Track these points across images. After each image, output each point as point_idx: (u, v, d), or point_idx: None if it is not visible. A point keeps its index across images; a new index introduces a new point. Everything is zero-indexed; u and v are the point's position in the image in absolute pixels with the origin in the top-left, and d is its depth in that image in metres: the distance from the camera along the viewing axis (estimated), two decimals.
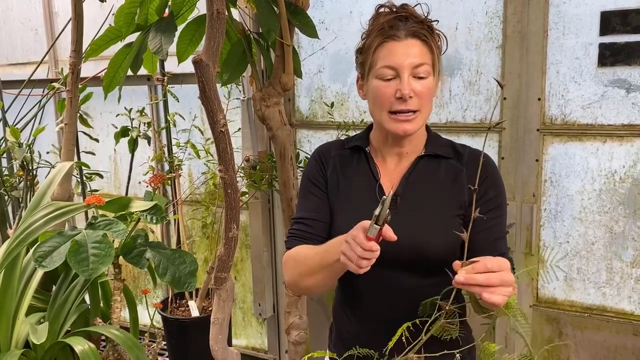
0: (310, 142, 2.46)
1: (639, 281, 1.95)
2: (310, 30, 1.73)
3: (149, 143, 2.58)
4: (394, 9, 1.17)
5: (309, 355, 1.05)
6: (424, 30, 1.13)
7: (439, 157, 1.20)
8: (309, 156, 2.30)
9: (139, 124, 2.49)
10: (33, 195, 2.22)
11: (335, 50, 2.32)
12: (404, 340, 0.97)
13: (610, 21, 1.84)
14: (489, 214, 1.14)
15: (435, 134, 1.26)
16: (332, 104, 2.31)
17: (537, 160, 2.01)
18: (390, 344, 0.98)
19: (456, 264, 0.94)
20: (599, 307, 2.02)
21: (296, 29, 1.75)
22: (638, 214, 1.91)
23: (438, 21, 1.19)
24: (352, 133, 2.25)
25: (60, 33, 2.89)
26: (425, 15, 1.17)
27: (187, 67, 1.55)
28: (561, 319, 2.08)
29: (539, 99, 1.97)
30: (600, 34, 1.86)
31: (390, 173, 1.23)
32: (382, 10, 1.18)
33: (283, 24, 1.65)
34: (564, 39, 1.92)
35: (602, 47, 1.86)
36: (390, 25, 1.14)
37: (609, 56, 1.86)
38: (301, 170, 2.15)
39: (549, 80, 1.96)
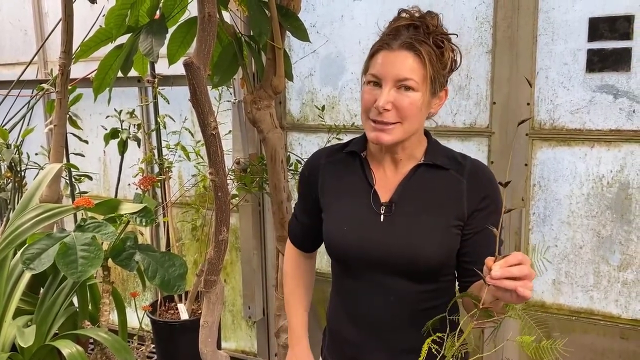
0: (301, 145, 2.46)
1: (626, 285, 1.97)
2: (301, 34, 1.73)
3: (138, 145, 2.56)
4: (416, 14, 1.13)
5: None
6: (420, 42, 1.08)
7: (437, 167, 1.18)
8: (299, 159, 2.31)
9: (129, 126, 2.48)
10: (21, 196, 2.20)
11: (327, 53, 2.32)
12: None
13: (598, 27, 1.86)
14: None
15: (435, 142, 1.23)
16: (323, 107, 2.31)
17: (526, 165, 2.03)
18: None
19: (489, 259, 0.91)
20: (586, 310, 2.04)
21: (287, 32, 1.75)
22: (625, 218, 1.93)
23: (457, 35, 1.15)
24: (343, 136, 2.26)
25: (50, 34, 2.87)
26: (436, 26, 1.11)
27: (178, 69, 1.54)
28: (549, 322, 2.09)
29: (528, 104, 1.99)
30: (588, 40, 1.88)
31: (387, 180, 1.21)
32: (403, 14, 1.14)
33: (274, 27, 1.65)
34: (553, 45, 1.94)
35: (591, 53, 1.89)
36: (394, 33, 1.11)
37: (597, 62, 1.88)
38: (291, 173, 2.15)
39: (538, 86, 1.98)
